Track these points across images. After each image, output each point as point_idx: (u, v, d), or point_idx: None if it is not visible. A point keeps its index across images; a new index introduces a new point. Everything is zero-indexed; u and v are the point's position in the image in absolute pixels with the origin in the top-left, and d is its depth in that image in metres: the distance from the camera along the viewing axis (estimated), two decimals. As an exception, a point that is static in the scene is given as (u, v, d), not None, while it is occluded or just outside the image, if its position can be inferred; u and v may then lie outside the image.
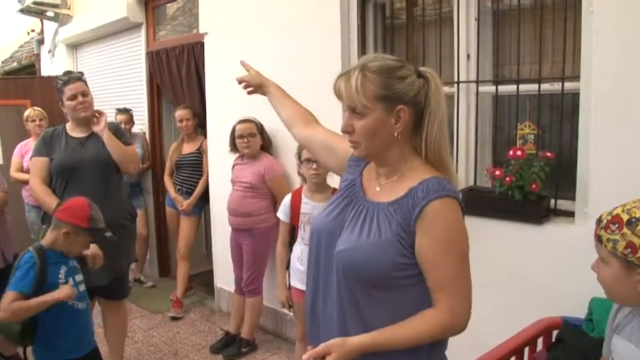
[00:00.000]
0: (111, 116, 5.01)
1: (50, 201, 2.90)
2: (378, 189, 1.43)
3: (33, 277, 2.28)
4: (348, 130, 1.38)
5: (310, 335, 1.52)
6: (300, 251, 2.92)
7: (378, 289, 1.34)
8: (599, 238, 1.34)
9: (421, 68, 1.39)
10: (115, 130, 3.11)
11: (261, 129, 3.67)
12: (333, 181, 2.91)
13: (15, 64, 8.99)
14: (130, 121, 5.11)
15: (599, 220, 1.36)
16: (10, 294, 2.24)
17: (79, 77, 3.02)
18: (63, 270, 2.39)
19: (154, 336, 4.08)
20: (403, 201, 1.33)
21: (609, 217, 1.32)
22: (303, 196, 2.95)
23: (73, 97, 2.95)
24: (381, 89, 1.32)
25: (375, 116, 1.33)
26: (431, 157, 1.38)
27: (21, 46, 10.07)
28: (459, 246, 1.33)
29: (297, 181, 3.25)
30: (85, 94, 2.99)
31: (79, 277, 2.46)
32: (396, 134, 1.35)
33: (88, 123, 3.03)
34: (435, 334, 1.33)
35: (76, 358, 2.41)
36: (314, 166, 2.83)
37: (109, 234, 2.43)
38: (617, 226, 1.29)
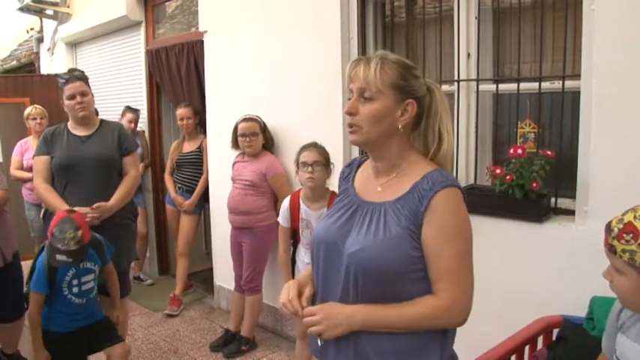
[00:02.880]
0: (112, 114, 5.03)
1: (54, 200, 2.90)
2: (379, 189, 1.43)
3: (44, 277, 2.52)
4: (352, 112, 1.38)
5: (322, 350, 1.47)
6: (303, 253, 2.93)
7: (393, 287, 1.33)
8: (611, 249, 1.31)
9: (426, 80, 1.44)
10: (119, 133, 3.10)
11: (264, 128, 3.66)
12: (331, 184, 2.92)
13: (14, 62, 8.99)
14: (137, 121, 5.11)
15: (609, 229, 1.32)
16: (32, 295, 2.59)
17: (79, 77, 3.01)
18: (71, 272, 2.53)
19: (154, 334, 4.08)
20: (409, 196, 1.34)
21: (620, 226, 1.28)
22: (300, 202, 2.96)
23: (72, 97, 2.95)
24: (399, 79, 1.35)
25: (385, 103, 1.35)
26: (439, 161, 1.41)
27: (20, 45, 10.07)
28: (463, 236, 1.34)
29: (298, 182, 3.24)
30: (84, 93, 2.98)
31: (87, 278, 2.59)
32: (399, 126, 1.37)
33: (89, 122, 3.03)
34: (433, 320, 1.32)
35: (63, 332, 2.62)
36: (309, 169, 2.83)
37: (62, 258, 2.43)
38: (631, 235, 1.26)
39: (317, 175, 2.84)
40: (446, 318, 1.33)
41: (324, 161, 2.87)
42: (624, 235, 1.27)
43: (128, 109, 5.07)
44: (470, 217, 1.38)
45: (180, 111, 4.52)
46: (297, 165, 2.93)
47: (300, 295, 1.44)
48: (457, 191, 1.34)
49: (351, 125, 1.40)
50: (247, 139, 3.55)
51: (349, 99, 1.40)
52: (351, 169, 1.57)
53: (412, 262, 1.32)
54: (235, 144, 3.67)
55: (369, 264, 1.32)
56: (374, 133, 1.37)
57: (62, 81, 2.98)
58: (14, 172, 4.75)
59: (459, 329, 1.44)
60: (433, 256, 1.31)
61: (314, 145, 2.92)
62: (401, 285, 1.33)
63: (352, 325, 1.33)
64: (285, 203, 3.06)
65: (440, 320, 1.33)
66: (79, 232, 2.37)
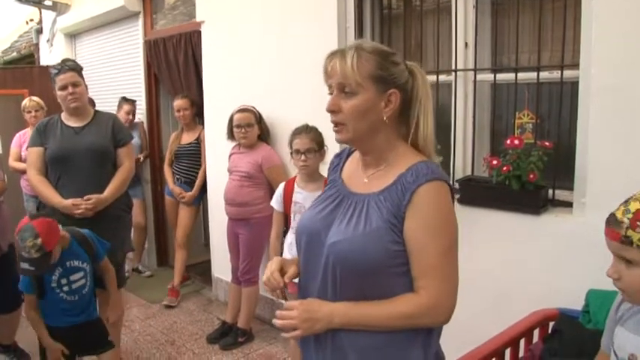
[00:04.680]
0: (111, 106, 5.01)
1: (47, 191, 2.88)
2: (365, 180, 1.40)
3: (28, 279, 2.47)
4: (334, 110, 1.34)
5: (304, 342, 1.46)
6: (290, 240, 2.91)
7: (373, 281, 1.30)
8: (626, 240, 1.24)
9: (407, 62, 1.39)
10: (113, 125, 3.07)
11: (259, 118, 3.63)
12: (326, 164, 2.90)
13: (15, 53, 8.96)
14: (134, 112, 5.09)
15: (616, 222, 1.26)
16: (25, 296, 2.56)
17: (72, 67, 2.98)
18: (57, 272, 2.48)
19: (151, 325, 4.08)
20: (392, 187, 1.30)
21: (630, 215, 1.23)
22: (295, 185, 2.94)
23: (64, 88, 2.93)
24: (377, 69, 1.30)
25: (367, 96, 1.30)
26: (422, 147, 1.38)
27: (20, 36, 10.02)
28: (447, 231, 1.29)
29: (294, 171, 3.23)
30: (76, 84, 2.95)
31: (77, 276, 2.54)
32: (384, 118, 1.32)
33: (82, 113, 3.00)
34: (414, 319, 1.28)
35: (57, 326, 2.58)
36: (302, 157, 2.83)
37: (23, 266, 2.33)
38: None
39: (310, 162, 2.85)
40: (428, 317, 1.29)
41: (316, 147, 2.86)
42: (639, 223, 1.22)
43: (125, 100, 5.04)
44: (467, 209, 1.35)
45: (177, 102, 4.50)
46: (291, 149, 2.92)
47: (283, 273, 1.40)
48: (442, 185, 1.29)
49: (335, 124, 1.35)
50: (242, 130, 3.52)
51: (330, 94, 1.36)
52: (340, 159, 1.54)
53: (392, 256, 1.27)
54: (231, 135, 3.65)
55: (347, 256, 1.29)
56: (359, 128, 1.33)
57: (54, 72, 2.95)
58: (13, 163, 4.73)
59: (455, 321, 1.40)
60: (415, 251, 1.27)
61: (305, 131, 2.89)
62: (381, 279, 1.29)
63: (331, 323, 1.30)
64: (280, 188, 3.05)
65: (421, 319, 1.29)
66: (39, 240, 2.22)
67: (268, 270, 1.40)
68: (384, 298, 1.29)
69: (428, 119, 1.36)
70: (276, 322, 1.34)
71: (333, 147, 3.00)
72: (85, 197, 2.83)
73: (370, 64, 1.30)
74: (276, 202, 3.05)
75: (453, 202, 1.34)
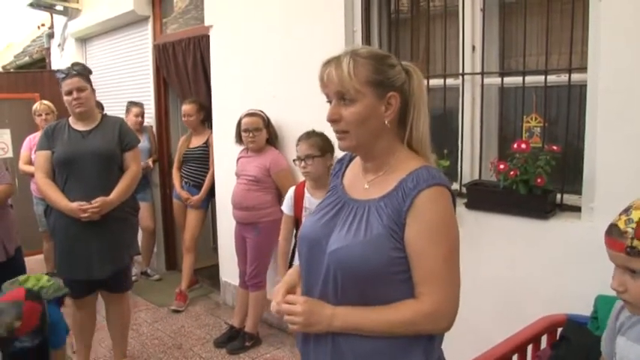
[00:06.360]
0: (121, 110, 5.04)
1: (54, 194, 2.90)
2: (366, 186, 1.39)
3: None
4: (335, 119, 1.32)
5: (303, 344, 1.45)
6: None
7: (374, 288, 1.29)
8: (632, 251, 1.20)
9: (402, 62, 1.38)
10: (120, 128, 3.07)
11: (267, 123, 3.63)
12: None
13: (27, 58, 9.06)
14: (143, 114, 5.11)
15: (619, 233, 1.23)
16: None
17: (78, 72, 2.99)
18: None
19: (159, 329, 4.08)
20: (393, 193, 1.29)
21: (634, 225, 1.20)
22: (305, 190, 2.94)
23: (69, 93, 2.95)
24: (374, 74, 1.29)
25: (366, 102, 1.29)
26: (416, 147, 1.37)
27: (33, 41, 10.15)
28: (448, 237, 1.28)
29: (302, 175, 3.22)
30: (81, 89, 2.96)
31: None
32: (386, 122, 1.31)
33: (88, 117, 3.02)
34: (415, 325, 1.27)
35: None
36: (302, 164, 2.83)
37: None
38: None
39: (311, 169, 2.83)
40: (429, 324, 1.27)
41: (317, 152, 2.83)
42: None
43: (133, 104, 5.07)
44: (474, 213, 1.34)
45: (183, 107, 4.53)
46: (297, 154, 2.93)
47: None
48: (443, 190, 1.28)
49: (337, 132, 1.34)
50: (250, 134, 3.52)
51: (328, 102, 1.35)
52: (341, 164, 1.53)
53: (393, 262, 1.26)
54: (239, 139, 3.65)
55: (348, 264, 1.28)
56: (362, 135, 1.32)
57: (61, 76, 2.97)
58: (23, 166, 4.76)
59: (462, 326, 1.38)
60: (416, 257, 1.26)
61: (306, 137, 2.89)
62: (382, 286, 1.28)
63: (331, 326, 1.29)
64: (290, 192, 3.05)
65: (422, 326, 1.28)
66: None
67: (274, 301, 1.38)
68: (385, 304, 1.28)
69: (420, 118, 1.35)
70: (274, 308, 1.34)
71: (338, 153, 3.00)
72: (94, 200, 2.84)
73: (367, 69, 1.28)
74: (286, 206, 3.06)
75: (455, 207, 1.33)
